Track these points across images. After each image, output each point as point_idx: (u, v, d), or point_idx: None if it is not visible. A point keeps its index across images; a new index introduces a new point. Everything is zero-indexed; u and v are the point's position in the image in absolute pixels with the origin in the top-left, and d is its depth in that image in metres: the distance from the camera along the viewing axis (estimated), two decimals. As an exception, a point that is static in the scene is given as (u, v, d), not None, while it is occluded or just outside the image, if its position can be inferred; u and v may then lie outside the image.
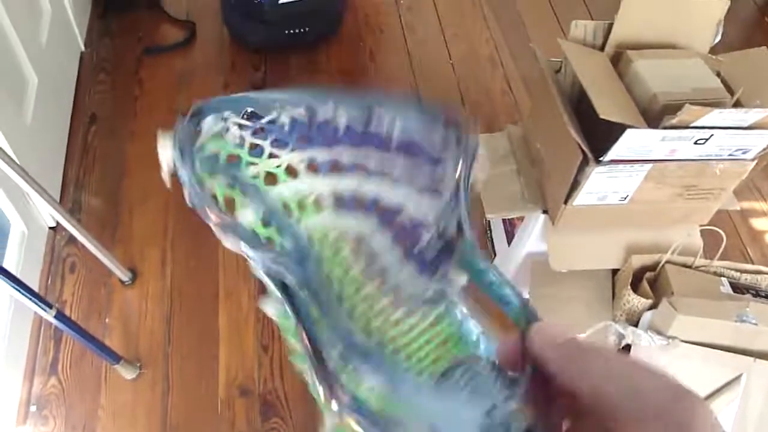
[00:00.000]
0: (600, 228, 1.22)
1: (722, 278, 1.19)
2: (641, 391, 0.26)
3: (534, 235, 1.30)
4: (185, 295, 1.56)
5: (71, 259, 1.61)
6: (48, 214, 1.62)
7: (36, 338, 1.49)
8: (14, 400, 1.39)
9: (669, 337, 1.07)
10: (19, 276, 1.13)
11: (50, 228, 1.66)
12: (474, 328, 0.52)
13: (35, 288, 1.53)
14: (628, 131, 0.98)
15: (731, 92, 1.08)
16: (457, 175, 0.52)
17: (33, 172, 1.23)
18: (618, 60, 1.16)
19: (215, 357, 1.47)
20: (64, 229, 1.56)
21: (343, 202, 0.66)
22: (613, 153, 1.03)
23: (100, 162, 1.80)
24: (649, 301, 1.13)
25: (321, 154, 0.66)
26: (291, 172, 0.63)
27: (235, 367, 1.46)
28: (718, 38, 1.17)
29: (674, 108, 0.99)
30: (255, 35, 2.01)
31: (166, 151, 0.51)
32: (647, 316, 1.13)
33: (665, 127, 1.00)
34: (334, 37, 2.15)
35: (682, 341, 1.07)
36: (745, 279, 1.21)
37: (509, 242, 1.46)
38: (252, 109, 0.60)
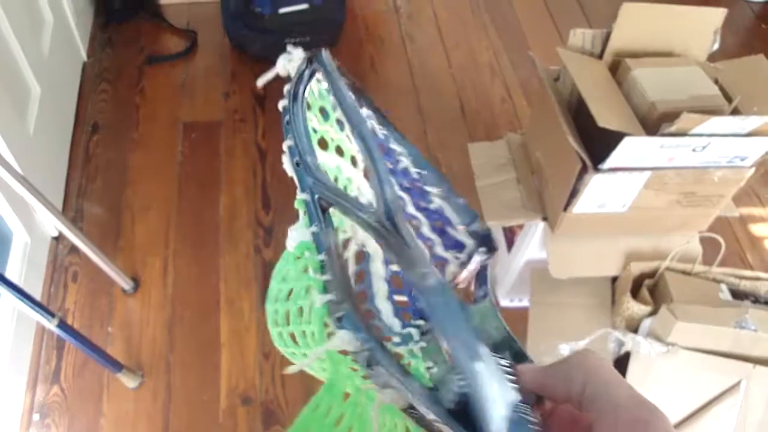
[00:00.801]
0: (599, 235, 1.23)
1: (721, 285, 1.19)
2: (612, 397, 0.32)
3: (534, 243, 1.31)
4: (187, 303, 1.57)
5: (73, 269, 1.62)
6: (51, 224, 1.62)
7: (39, 347, 1.50)
8: (17, 409, 1.40)
9: (668, 344, 1.07)
10: (21, 285, 1.14)
11: (53, 238, 1.67)
12: None
13: (38, 297, 1.53)
14: (627, 139, 0.98)
15: (729, 100, 1.08)
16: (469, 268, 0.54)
17: (35, 181, 1.24)
18: (616, 68, 1.17)
19: (217, 365, 1.48)
20: (67, 239, 1.57)
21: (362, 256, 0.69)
22: (612, 161, 1.04)
23: (102, 171, 1.81)
24: (649, 308, 1.14)
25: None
26: (353, 161, 0.61)
27: (237, 375, 1.46)
28: (716, 46, 1.18)
29: (672, 116, 1.00)
30: (256, 44, 2.02)
31: (291, 60, 0.50)
32: (647, 323, 1.13)
33: (663, 135, 1.00)
34: (335, 46, 2.17)
35: (682, 348, 1.07)
36: (744, 285, 1.21)
37: (509, 249, 1.47)
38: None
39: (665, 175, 1.09)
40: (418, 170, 0.60)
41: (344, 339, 0.39)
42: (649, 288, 1.19)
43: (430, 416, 0.35)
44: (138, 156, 1.85)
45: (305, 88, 0.49)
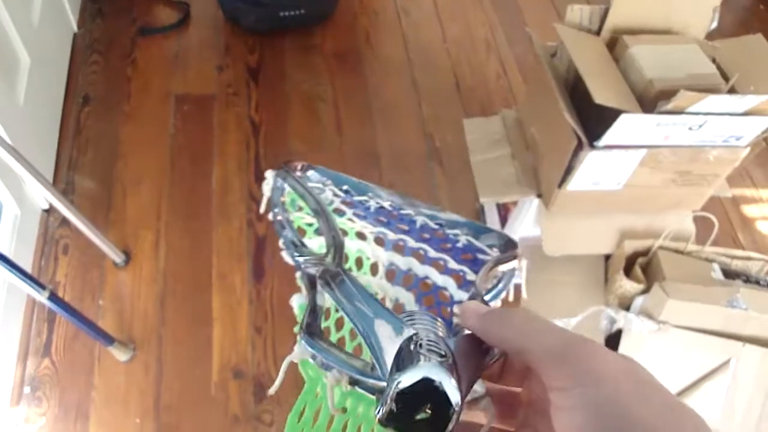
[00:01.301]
0: (593, 213, 1.22)
1: (714, 264, 1.20)
2: (546, 335, 0.33)
3: (527, 220, 1.30)
4: (179, 277, 1.56)
5: (64, 241, 1.61)
6: (41, 196, 1.61)
7: (29, 320, 1.49)
8: (8, 382, 1.39)
9: (660, 322, 1.07)
10: (11, 258, 1.13)
11: (44, 210, 1.65)
12: None
13: (28, 270, 1.53)
14: (623, 116, 0.98)
15: (726, 79, 1.08)
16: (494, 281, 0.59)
17: (26, 153, 1.22)
18: (614, 45, 1.16)
19: (209, 339, 1.48)
20: (57, 211, 1.56)
21: (393, 275, 0.74)
22: (608, 138, 1.03)
23: (93, 143, 1.79)
24: (641, 286, 1.14)
25: (390, 234, 0.74)
26: (361, 236, 0.73)
27: (229, 349, 1.46)
28: (715, 24, 1.17)
29: (669, 93, 0.99)
30: (249, 17, 2.00)
31: (268, 182, 0.62)
32: (639, 301, 1.14)
33: (660, 113, 1.00)
34: (330, 19, 2.14)
35: (673, 326, 1.08)
36: (736, 265, 1.21)
37: (503, 226, 1.46)
38: (348, 188, 0.70)
39: (660, 153, 1.09)
40: (438, 222, 0.68)
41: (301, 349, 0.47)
42: (642, 266, 1.19)
43: (371, 382, 0.40)
44: (130, 128, 1.83)
45: (281, 195, 0.64)
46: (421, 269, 0.72)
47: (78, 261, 1.58)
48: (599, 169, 1.10)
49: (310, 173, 0.68)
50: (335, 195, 0.69)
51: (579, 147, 1.07)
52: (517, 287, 0.62)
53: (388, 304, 0.76)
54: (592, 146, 1.06)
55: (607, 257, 1.26)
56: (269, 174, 0.63)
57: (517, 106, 1.44)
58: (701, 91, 0.95)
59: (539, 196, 1.24)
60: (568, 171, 1.11)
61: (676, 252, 1.21)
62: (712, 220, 1.20)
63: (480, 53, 2.10)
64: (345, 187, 0.69)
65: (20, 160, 1.20)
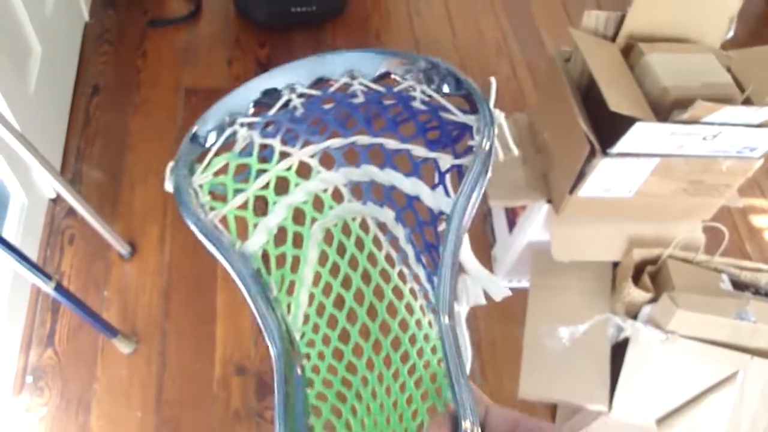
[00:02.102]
0: (603, 220, 1.22)
1: (723, 275, 1.19)
2: None
3: (536, 224, 1.30)
4: (184, 271, 1.56)
5: (70, 231, 1.61)
6: (48, 186, 1.61)
7: (33, 309, 1.49)
8: (11, 371, 1.39)
9: (668, 332, 1.07)
10: (18, 247, 1.12)
11: (50, 200, 1.65)
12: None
13: (34, 259, 1.52)
14: (638, 124, 0.97)
15: (741, 89, 1.07)
16: (481, 146, 0.51)
17: (34, 141, 1.22)
18: (629, 52, 1.15)
19: (212, 334, 1.47)
20: (64, 201, 1.55)
21: (360, 193, 0.66)
22: (621, 145, 1.02)
23: (101, 134, 1.79)
24: (649, 295, 1.13)
25: (335, 140, 0.65)
26: (304, 171, 0.63)
27: (232, 345, 1.46)
28: (731, 34, 1.16)
29: (684, 102, 0.99)
30: (261, 11, 1.99)
31: (169, 185, 0.53)
32: (646, 310, 1.13)
33: (675, 122, 0.99)
34: (340, 16, 2.14)
35: (681, 336, 1.07)
36: (746, 276, 1.21)
37: (510, 230, 1.46)
38: (258, 98, 0.58)
39: (673, 162, 1.08)
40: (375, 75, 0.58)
41: None
42: (651, 275, 1.19)
43: None
44: (138, 120, 1.82)
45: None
46: (384, 176, 0.62)
47: (83, 252, 1.58)
48: (611, 177, 1.09)
49: (210, 133, 0.55)
50: (250, 126, 0.57)
51: (592, 154, 1.06)
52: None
53: (370, 224, 0.68)
54: (605, 153, 1.05)
55: (616, 265, 1.25)
56: (168, 185, 0.54)
57: (527, 109, 1.43)
58: (716, 101, 0.94)
59: (549, 201, 1.23)
60: (580, 177, 1.11)
61: (685, 261, 1.20)
62: (721, 230, 1.19)
63: (490, 56, 2.09)
64: (253, 101, 0.58)
65: (29, 148, 1.20)
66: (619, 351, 1.12)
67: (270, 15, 1.99)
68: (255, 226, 0.58)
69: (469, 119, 0.57)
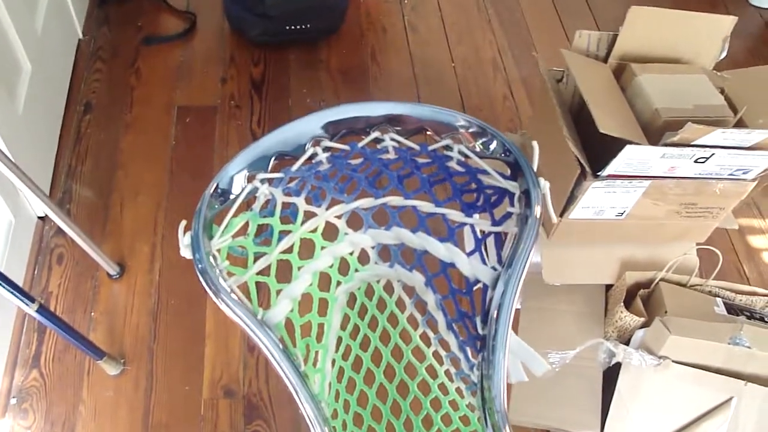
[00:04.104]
0: (595, 243, 1.20)
1: (717, 298, 1.17)
2: None
3: (528, 247, 1.28)
4: (173, 291, 1.54)
5: (59, 250, 1.59)
6: (37, 204, 1.59)
7: (19, 330, 1.47)
8: (-5, 392, 1.37)
9: (660, 357, 1.05)
10: (4, 266, 1.11)
11: (39, 218, 1.63)
12: None
13: (21, 279, 1.51)
14: (628, 147, 0.96)
15: (735, 110, 1.06)
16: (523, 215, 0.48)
17: (24, 159, 1.21)
18: (621, 72, 1.14)
19: (200, 356, 1.45)
20: (53, 220, 1.54)
21: (388, 254, 0.62)
22: (612, 168, 1.01)
23: (93, 152, 1.77)
24: (642, 320, 1.11)
25: (364, 200, 0.60)
26: (329, 232, 0.59)
27: (221, 367, 1.44)
28: (724, 54, 1.15)
29: (676, 124, 0.97)
30: (255, 29, 1.99)
31: (187, 253, 0.50)
32: (639, 335, 1.11)
33: (666, 144, 0.98)
34: (336, 34, 2.13)
35: (674, 362, 1.05)
36: (740, 300, 1.19)
37: (503, 251, 1.44)
38: (281, 151, 0.54)
39: (665, 184, 1.06)
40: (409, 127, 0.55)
41: None
42: (643, 298, 1.17)
43: None
44: (130, 138, 1.81)
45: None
46: (416, 240, 0.59)
47: (72, 271, 1.56)
48: (602, 199, 1.08)
49: (231, 188, 0.52)
50: (271, 183, 0.54)
51: (582, 176, 1.05)
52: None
53: (395, 286, 0.64)
54: (595, 176, 1.03)
55: (609, 288, 1.23)
56: (184, 251, 0.52)
57: (523, 129, 1.42)
58: (709, 123, 0.93)
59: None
60: (570, 200, 1.09)
61: (678, 285, 1.18)
62: (716, 253, 1.17)
63: (487, 74, 2.08)
64: (274, 157, 0.54)
65: (17, 172, 1.18)
66: (611, 375, 1.10)
67: (264, 33, 1.98)
68: (278, 293, 0.55)
69: (511, 185, 0.53)
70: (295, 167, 0.54)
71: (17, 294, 1.12)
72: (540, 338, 1.16)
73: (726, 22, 1.12)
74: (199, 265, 0.45)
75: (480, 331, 0.54)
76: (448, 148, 0.54)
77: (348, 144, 0.54)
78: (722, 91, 1.10)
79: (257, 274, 0.52)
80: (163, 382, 1.42)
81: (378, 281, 0.66)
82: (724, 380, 1.05)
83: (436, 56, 2.12)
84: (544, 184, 0.50)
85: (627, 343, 1.12)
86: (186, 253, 0.47)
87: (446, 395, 0.66)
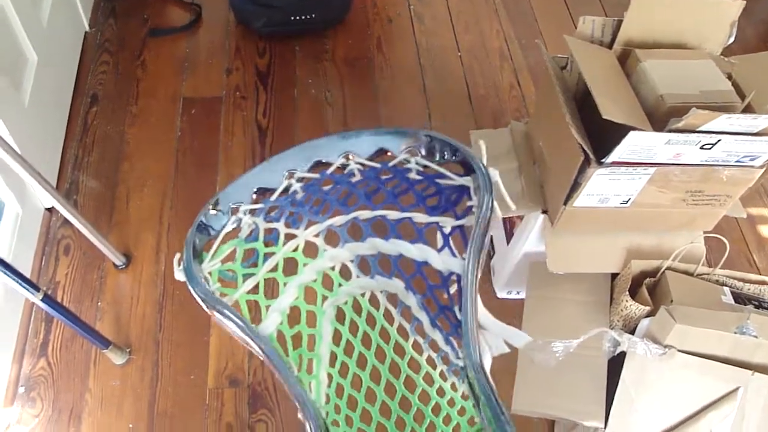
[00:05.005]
0: (600, 231, 1.19)
1: (724, 287, 1.16)
2: None
3: (533, 235, 1.27)
4: (178, 281, 1.54)
5: (66, 241, 1.60)
6: (44, 196, 1.60)
7: (27, 319, 1.48)
8: (3, 381, 1.38)
9: (666, 346, 1.04)
10: (12, 257, 1.11)
11: (46, 209, 1.64)
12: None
13: (28, 269, 1.52)
14: (632, 133, 0.94)
15: (742, 96, 1.04)
16: (480, 212, 0.53)
17: (30, 151, 1.21)
18: (626, 58, 1.13)
19: (206, 346, 1.46)
20: (60, 211, 1.55)
21: (368, 267, 0.67)
22: (616, 155, 1.00)
23: (99, 144, 1.78)
24: (647, 308, 1.10)
25: (338, 218, 0.67)
26: (310, 250, 0.65)
27: (226, 356, 1.44)
28: (732, 39, 1.13)
29: (681, 110, 0.96)
30: (260, 20, 1.98)
31: (181, 277, 0.56)
32: (644, 324, 1.10)
33: (671, 130, 0.96)
34: (341, 24, 2.12)
35: (679, 351, 1.04)
36: (748, 289, 1.17)
37: (508, 241, 1.43)
38: (260, 186, 0.62)
39: (671, 171, 1.05)
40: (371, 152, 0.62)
41: None
42: (649, 287, 1.15)
43: None
44: (136, 130, 1.82)
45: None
46: (390, 246, 0.65)
47: (79, 262, 1.57)
48: (606, 187, 1.07)
49: (217, 222, 0.60)
50: (253, 213, 0.61)
51: (586, 163, 1.03)
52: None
53: (380, 298, 0.69)
54: (599, 163, 1.02)
55: (614, 276, 1.22)
56: (180, 276, 0.58)
57: (529, 118, 1.40)
58: (715, 109, 0.91)
59: (545, 211, 1.21)
60: (574, 188, 1.08)
61: (685, 274, 1.17)
62: (724, 242, 1.16)
63: (494, 63, 2.07)
64: (257, 188, 0.61)
65: (23, 164, 1.19)
66: (615, 365, 1.09)
67: (269, 24, 1.98)
68: (267, 308, 0.60)
69: (466, 180, 0.59)
70: (273, 197, 0.61)
71: (23, 283, 1.12)
72: (544, 327, 1.16)
73: (734, 7, 1.10)
74: (192, 285, 0.54)
75: (459, 317, 0.58)
76: (406, 161, 0.61)
77: (318, 173, 0.62)
78: (730, 77, 1.08)
79: (247, 293, 0.58)
80: (169, 371, 1.42)
81: (363, 294, 0.70)
82: (731, 370, 1.04)
83: (442, 46, 2.11)
84: (494, 173, 0.56)
85: (632, 332, 1.11)
86: (179, 275, 0.57)
87: (443, 397, 0.69)
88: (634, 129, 0.94)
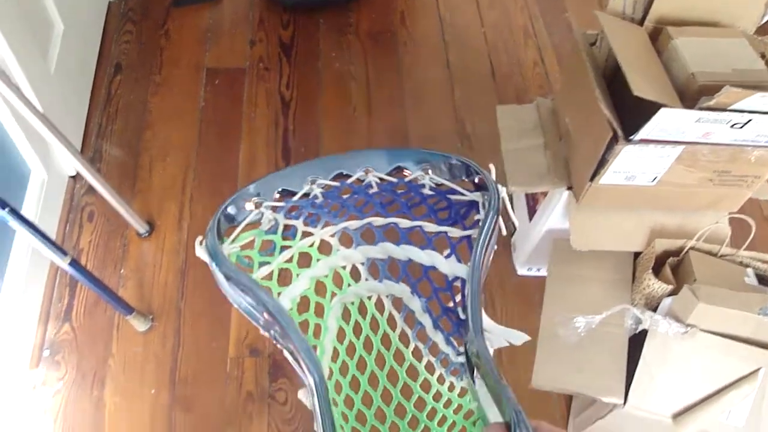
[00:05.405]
0: (625, 208, 1.19)
1: (748, 269, 1.15)
2: None
3: (556, 212, 1.27)
4: (201, 251, 1.56)
5: (90, 209, 1.61)
6: (69, 163, 1.61)
7: (51, 284, 1.50)
8: (28, 344, 1.41)
9: (688, 325, 1.04)
10: (36, 223, 1.13)
11: (70, 177, 1.66)
12: (491, 407, 0.57)
13: (52, 235, 1.53)
14: (662, 110, 0.94)
15: (775, 76, 1.03)
16: (484, 227, 0.58)
17: (55, 119, 1.22)
18: (657, 36, 1.12)
19: (227, 314, 1.47)
20: (84, 178, 1.56)
21: (377, 271, 0.73)
22: (645, 132, 0.99)
23: (123, 112, 1.79)
24: (670, 287, 1.10)
25: (353, 222, 0.70)
26: (325, 248, 0.70)
27: (246, 325, 1.46)
28: (766, 18, 1.12)
29: (712, 89, 0.95)
30: (285, -8, 1.98)
31: (203, 256, 0.60)
32: (666, 302, 1.10)
33: (701, 109, 0.96)
34: (366, -2, 2.11)
35: (701, 330, 1.04)
36: (772, 271, 1.17)
37: (530, 218, 1.43)
38: (284, 187, 0.67)
39: (699, 150, 1.04)
40: (390, 169, 0.67)
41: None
42: (672, 267, 1.15)
43: None
44: (159, 99, 1.82)
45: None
46: (400, 251, 0.69)
47: (102, 229, 1.58)
48: (633, 164, 1.06)
49: (241, 210, 0.65)
50: (275, 210, 0.66)
51: (614, 140, 1.03)
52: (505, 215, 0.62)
53: (385, 303, 0.74)
54: (627, 140, 1.02)
55: (637, 255, 1.22)
56: (200, 253, 0.61)
57: (553, 95, 1.40)
58: (747, 88, 0.91)
59: (570, 188, 1.21)
60: (601, 164, 1.07)
61: (708, 254, 1.17)
62: (749, 223, 1.15)
63: (518, 40, 2.05)
64: (281, 188, 0.67)
65: (50, 127, 1.20)
66: (636, 342, 1.09)
67: (294, -5, 1.97)
68: (279, 294, 0.65)
69: (476, 196, 0.64)
70: (294, 198, 0.66)
71: (52, 247, 1.14)
72: (566, 303, 1.16)
73: (768, -15, 1.09)
74: (216, 265, 0.58)
75: (461, 317, 0.65)
76: (421, 177, 0.67)
77: (339, 182, 0.67)
78: (763, 56, 1.07)
79: (261, 278, 0.63)
80: (191, 339, 1.44)
81: (369, 297, 0.75)
82: (752, 351, 1.04)
83: (466, 21, 2.09)
84: (502, 190, 0.61)
85: (654, 311, 1.11)
86: (200, 252, 0.60)
87: (439, 401, 0.74)
88: (664, 106, 0.94)
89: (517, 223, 0.64)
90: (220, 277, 0.59)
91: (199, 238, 0.59)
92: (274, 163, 1.70)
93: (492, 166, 0.63)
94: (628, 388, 1.08)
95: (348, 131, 1.79)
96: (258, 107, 1.82)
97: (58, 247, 1.17)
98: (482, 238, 0.58)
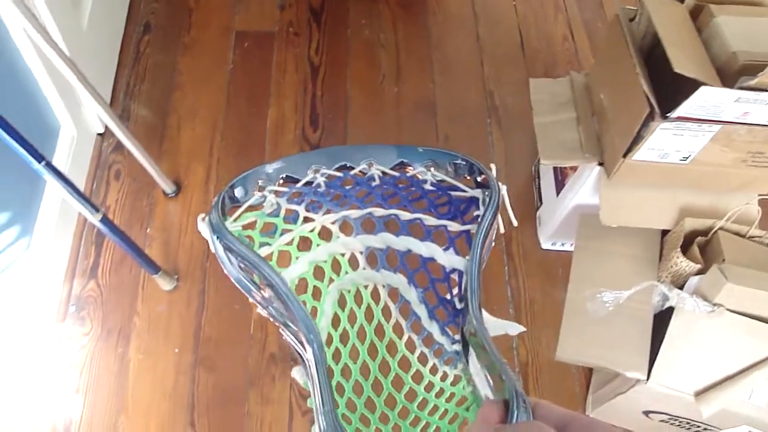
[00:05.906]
0: (656, 186, 1.18)
1: (777, 251, 1.15)
2: None
3: (586, 187, 1.27)
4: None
5: (117, 167, 1.62)
6: (97, 120, 1.62)
7: (78, 241, 1.52)
8: (55, 299, 1.43)
9: (715, 305, 1.04)
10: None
11: (98, 134, 1.67)
12: (484, 391, 0.60)
13: (81, 191, 1.55)
14: (702, 88, 0.93)
15: (818, 57, 1.02)
16: (483, 223, 0.60)
17: (87, 75, 1.22)
18: (698, 13, 1.11)
19: (251, 277, 1.49)
20: (112, 136, 1.57)
21: (375, 260, 0.74)
22: (683, 110, 0.99)
23: (151, 72, 1.79)
24: (698, 266, 1.10)
25: (354, 211, 0.72)
26: (325, 234, 0.72)
27: (271, 289, 1.47)
28: (810, -2, 1.10)
29: (753, 69, 0.94)
30: (315, -43, 1.96)
31: (204, 231, 0.63)
32: (694, 281, 1.10)
33: (742, 88, 0.95)
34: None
35: (728, 310, 1.04)
36: (801, 254, 1.17)
37: (558, 192, 1.43)
38: (288, 174, 0.68)
39: (736, 130, 1.04)
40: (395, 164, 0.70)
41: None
42: (700, 246, 1.15)
43: None
44: (188, 60, 1.82)
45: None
46: (399, 242, 0.71)
47: (129, 188, 1.60)
48: (668, 142, 1.06)
49: (246, 192, 0.67)
50: (278, 195, 0.68)
51: (650, 116, 1.03)
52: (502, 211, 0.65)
53: (381, 293, 0.76)
54: (664, 117, 1.01)
55: (665, 233, 1.22)
56: (202, 228, 0.63)
57: (582, 71, 1.39)
58: (789, 68, 0.90)
59: (601, 164, 1.20)
60: (636, 140, 1.07)
61: (737, 235, 1.16)
62: (779, 206, 1.15)
63: (548, 14, 2.03)
64: (285, 175, 0.68)
65: (81, 79, 1.20)
66: (661, 319, 1.10)
67: (324, -40, 1.96)
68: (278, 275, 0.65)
69: (476, 192, 0.67)
70: (298, 185, 0.68)
71: (84, 202, 1.15)
72: (593, 278, 1.16)
73: (814, -36, 1.07)
74: (216, 238, 0.61)
75: (458, 307, 0.67)
76: (423, 173, 0.69)
77: (342, 172, 0.70)
78: (805, 37, 1.06)
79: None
80: (215, 300, 1.46)
81: (366, 286, 0.76)
82: (778, 332, 1.05)
83: (496, -3, 2.07)
84: (503, 187, 0.64)
85: (680, 289, 1.12)
86: (201, 227, 0.63)
87: (430, 392, 0.76)
88: (704, 84, 0.93)
89: (516, 223, 0.66)
90: (219, 250, 0.61)
91: (201, 215, 0.62)
92: (302, 129, 1.70)
93: (493, 165, 0.66)
94: (651, 365, 1.08)
95: (376, 100, 1.78)
96: (287, 72, 1.81)
97: (91, 203, 1.18)
98: (485, 222, 0.61)
